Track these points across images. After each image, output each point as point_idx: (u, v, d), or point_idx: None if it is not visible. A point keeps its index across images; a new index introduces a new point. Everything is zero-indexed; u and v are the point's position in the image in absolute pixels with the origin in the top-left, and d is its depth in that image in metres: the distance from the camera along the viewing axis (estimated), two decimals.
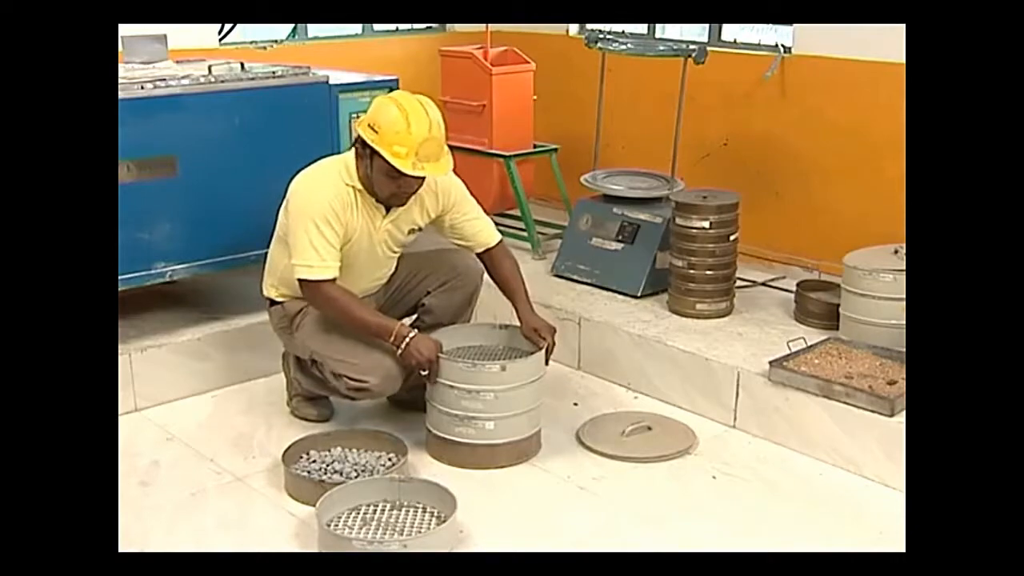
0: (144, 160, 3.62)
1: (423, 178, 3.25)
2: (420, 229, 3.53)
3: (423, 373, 3.30)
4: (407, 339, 3.25)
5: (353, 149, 3.33)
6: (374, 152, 3.19)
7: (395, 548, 2.80)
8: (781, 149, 4.86)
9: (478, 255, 3.57)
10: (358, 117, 3.78)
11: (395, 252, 3.53)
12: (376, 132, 3.18)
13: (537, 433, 3.47)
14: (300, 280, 3.27)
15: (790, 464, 3.44)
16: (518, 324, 3.52)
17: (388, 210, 3.37)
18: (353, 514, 3.02)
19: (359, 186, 3.30)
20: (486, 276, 3.62)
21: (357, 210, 3.31)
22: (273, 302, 3.53)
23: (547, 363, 3.46)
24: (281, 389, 3.77)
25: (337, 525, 2.96)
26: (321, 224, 3.21)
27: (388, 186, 3.25)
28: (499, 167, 5.14)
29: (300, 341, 3.47)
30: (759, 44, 5.02)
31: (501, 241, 3.59)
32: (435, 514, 3.02)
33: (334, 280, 3.26)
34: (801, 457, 3.46)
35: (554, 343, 3.46)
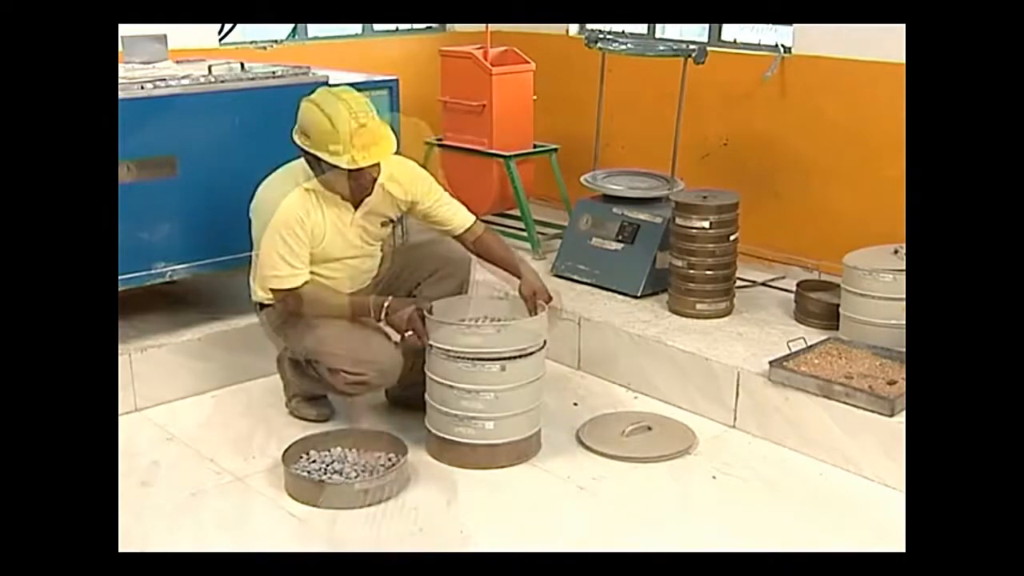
0: (144, 160, 3.62)
1: (375, 165, 3.26)
2: (393, 221, 3.55)
3: (408, 335, 3.32)
4: (384, 308, 3.30)
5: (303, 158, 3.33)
6: (315, 156, 3.21)
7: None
8: (781, 149, 4.86)
9: (465, 243, 3.56)
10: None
11: (373, 245, 3.54)
12: (308, 138, 3.21)
13: (537, 433, 3.48)
14: (272, 290, 3.33)
15: (790, 464, 3.44)
16: (517, 293, 3.48)
17: (357, 206, 3.38)
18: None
19: (321, 189, 3.31)
20: (482, 272, 3.62)
21: (323, 212, 3.32)
22: (269, 303, 3.52)
23: (548, 318, 3.41)
24: (281, 389, 3.77)
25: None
26: (287, 236, 3.25)
27: (344, 184, 3.28)
28: (499, 167, 5.14)
29: (296, 339, 3.47)
30: (759, 44, 5.03)
31: (476, 221, 3.57)
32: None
33: (304, 284, 3.31)
34: (801, 457, 3.46)
35: (561, 306, 3.50)
